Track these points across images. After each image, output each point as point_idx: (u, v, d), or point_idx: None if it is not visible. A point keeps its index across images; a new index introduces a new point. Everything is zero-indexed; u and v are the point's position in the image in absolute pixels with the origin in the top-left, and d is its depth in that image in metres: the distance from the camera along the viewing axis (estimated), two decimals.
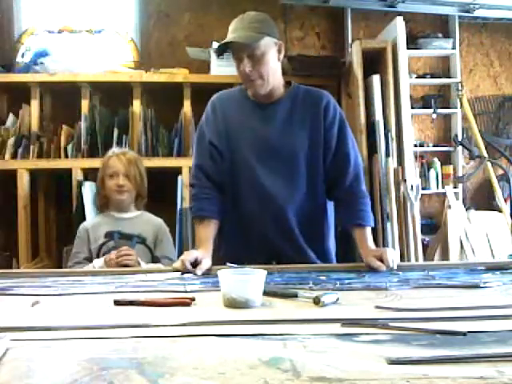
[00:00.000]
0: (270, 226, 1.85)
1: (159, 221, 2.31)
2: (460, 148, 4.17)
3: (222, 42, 1.78)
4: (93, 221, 2.36)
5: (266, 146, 1.85)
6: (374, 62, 3.55)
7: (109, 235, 2.17)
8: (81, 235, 2.23)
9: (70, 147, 3.49)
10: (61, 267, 2.24)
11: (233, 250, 1.88)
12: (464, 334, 0.95)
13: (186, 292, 1.36)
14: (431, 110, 4.09)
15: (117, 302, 1.23)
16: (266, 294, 1.28)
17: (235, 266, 1.52)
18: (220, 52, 1.82)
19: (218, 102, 1.93)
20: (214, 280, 1.39)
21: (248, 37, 1.73)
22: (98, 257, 2.13)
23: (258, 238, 1.86)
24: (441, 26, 4.27)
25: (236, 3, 4.02)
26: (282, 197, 1.84)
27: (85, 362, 0.82)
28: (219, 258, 1.88)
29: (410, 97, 3.61)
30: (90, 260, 2.14)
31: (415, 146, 3.94)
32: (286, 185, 1.85)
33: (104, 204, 2.31)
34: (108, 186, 2.24)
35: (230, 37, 1.76)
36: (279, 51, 1.82)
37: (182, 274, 1.62)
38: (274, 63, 1.80)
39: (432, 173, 4.15)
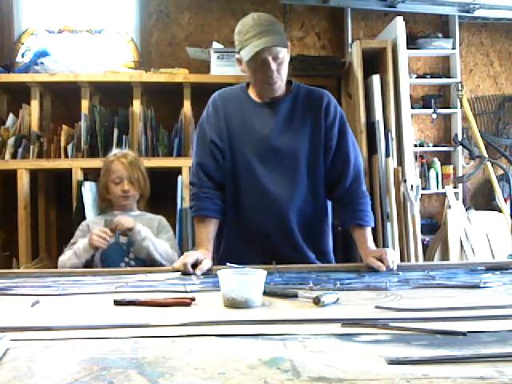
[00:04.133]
0: (270, 226, 1.84)
1: (159, 217, 2.35)
2: (460, 148, 4.17)
3: (255, 48, 1.68)
4: (95, 218, 2.42)
5: (267, 146, 1.84)
6: (374, 62, 3.55)
7: (109, 223, 2.18)
8: (82, 228, 2.28)
9: (70, 147, 3.49)
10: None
11: (233, 249, 1.88)
12: (464, 334, 0.95)
13: (186, 292, 1.36)
14: (431, 110, 4.10)
15: (117, 302, 1.23)
16: (266, 294, 1.28)
17: (235, 266, 1.52)
18: (251, 59, 1.72)
19: (220, 100, 1.92)
20: (214, 280, 1.40)
21: (278, 40, 1.71)
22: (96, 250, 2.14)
23: (258, 237, 1.85)
24: (441, 25, 4.27)
25: (236, 3, 4.03)
26: (283, 197, 1.83)
27: (85, 362, 0.82)
28: (219, 258, 1.89)
29: (410, 97, 3.61)
30: None
31: (415, 146, 3.95)
32: (287, 185, 1.84)
33: (107, 206, 2.37)
34: (113, 192, 2.29)
35: (256, 42, 1.69)
36: (288, 52, 1.82)
37: (183, 274, 1.63)
38: (287, 64, 1.81)
39: (432, 173, 4.15)
